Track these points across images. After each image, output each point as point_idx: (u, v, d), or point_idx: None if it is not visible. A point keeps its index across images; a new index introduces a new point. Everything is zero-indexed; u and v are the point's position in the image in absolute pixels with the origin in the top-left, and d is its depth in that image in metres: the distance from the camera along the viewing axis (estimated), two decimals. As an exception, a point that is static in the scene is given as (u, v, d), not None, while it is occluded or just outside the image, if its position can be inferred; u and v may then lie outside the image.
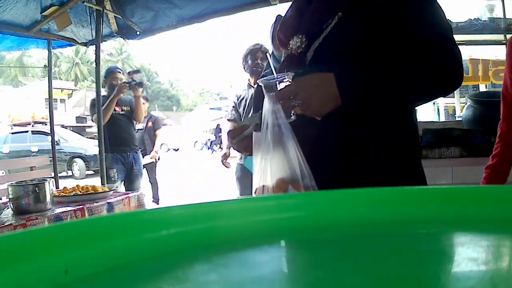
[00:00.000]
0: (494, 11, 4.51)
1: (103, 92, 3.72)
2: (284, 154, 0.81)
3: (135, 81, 3.52)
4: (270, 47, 1.13)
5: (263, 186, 0.82)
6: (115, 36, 3.73)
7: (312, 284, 0.35)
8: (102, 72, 3.74)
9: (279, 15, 1.08)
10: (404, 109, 0.94)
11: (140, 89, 3.57)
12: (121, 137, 3.55)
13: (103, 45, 3.72)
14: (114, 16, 3.49)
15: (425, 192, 0.56)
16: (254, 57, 2.89)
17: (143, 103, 3.80)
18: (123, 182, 3.59)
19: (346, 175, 0.89)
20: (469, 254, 0.41)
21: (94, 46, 3.53)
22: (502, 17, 4.06)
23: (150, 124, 4.66)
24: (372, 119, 0.89)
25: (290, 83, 0.83)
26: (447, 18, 0.88)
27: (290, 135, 0.81)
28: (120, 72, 3.71)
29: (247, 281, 0.36)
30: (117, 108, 3.54)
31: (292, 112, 0.85)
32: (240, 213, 0.50)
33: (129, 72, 3.68)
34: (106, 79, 3.63)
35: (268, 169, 0.82)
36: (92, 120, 3.59)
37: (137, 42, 3.79)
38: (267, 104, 0.83)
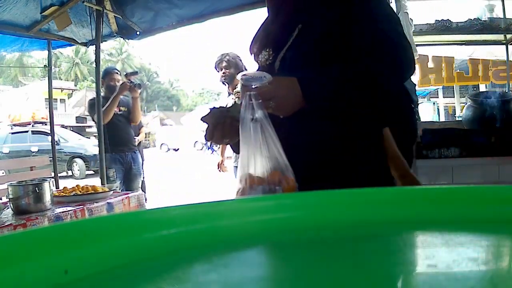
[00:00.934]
0: (494, 11, 4.51)
1: (102, 92, 3.71)
2: (268, 147, 0.87)
3: (133, 82, 3.50)
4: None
5: (248, 174, 0.87)
6: (115, 36, 3.73)
7: (312, 284, 0.35)
8: (102, 72, 3.73)
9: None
10: (366, 107, 0.98)
11: (139, 91, 3.56)
12: (119, 137, 3.54)
13: (103, 45, 3.72)
14: (114, 16, 3.49)
15: (425, 192, 0.56)
16: (219, 67, 3.07)
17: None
18: (121, 182, 3.59)
19: (314, 169, 0.96)
20: (469, 254, 0.41)
21: (94, 46, 3.53)
22: (502, 17, 4.07)
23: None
24: (334, 117, 0.97)
25: (268, 84, 0.90)
26: (394, 11, 0.95)
27: (270, 130, 0.88)
28: (117, 73, 3.71)
29: (247, 281, 0.36)
30: (115, 109, 3.54)
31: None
32: (239, 213, 0.50)
33: (126, 74, 3.65)
34: (104, 80, 3.62)
35: (252, 161, 0.87)
36: (93, 120, 3.58)
37: (137, 42, 3.80)
38: (247, 100, 0.88)
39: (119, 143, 3.54)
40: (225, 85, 3.10)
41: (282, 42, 1.00)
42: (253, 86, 0.89)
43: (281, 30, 1.02)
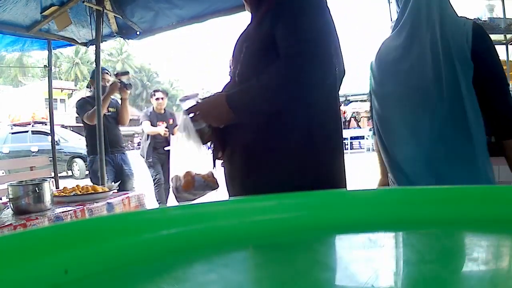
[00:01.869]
0: (494, 11, 4.51)
1: (89, 93, 3.65)
2: (191, 151, 1.15)
3: (123, 82, 3.44)
4: None
5: (176, 175, 1.18)
6: (115, 36, 3.72)
7: (312, 284, 0.35)
8: (92, 72, 3.68)
9: None
10: (291, 116, 1.06)
11: (128, 91, 3.48)
12: (108, 138, 3.47)
13: (103, 45, 3.70)
14: (114, 16, 3.49)
15: (425, 192, 0.56)
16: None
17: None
18: (113, 183, 3.53)
19: (248, 174, 1.10)
20: (469, 254, 0.41)
21: (94, 46, 3.53)
22: (502, 17, 4.06)
23: (171, 121, 4.68)
24: (262, 128, 1.07)
25: (197, 102, 1.12)
26: (320, 22, 1.01)
27: (196, 138, 1.12)
28: (108, 74, 3.64)
29: (247, 281, 0.36)
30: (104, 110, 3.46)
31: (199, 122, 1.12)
32: (239, 213, 0.50)
33: (116, 74, 3.59)
34: (94, 80, 3.55)
35: (181, 163, 1.19)
36: (83, 120, 3.49)
37: (137, 42, 3.78)
38: (181, 116, 1.12)
39: (108, 145, 3.47)
40: None
41: (238, 58, 1.14)
42: (185, 104, 1.10)
43: (239, 46, 1.14)
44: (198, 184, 1.19)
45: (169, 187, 4.20)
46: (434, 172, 1.15)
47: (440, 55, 1.12)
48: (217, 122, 1.10)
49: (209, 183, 1.21)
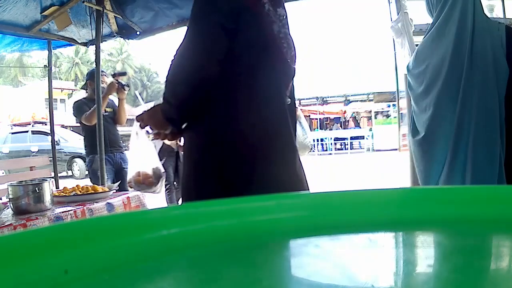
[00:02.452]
0: (494, 11, 4.51)
1: (85, 94, 3.66)
2: (143, 154, 1.43)
3: (121, 83, 3.45)
4: None
5: (132, 176, 1.48)
6: (115, 36, 3.72)
7: (312, 284, 0.35)
8: (89, 74, 3.69)
9: None
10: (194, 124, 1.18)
11: (126, 92, 3.49)
12: (106, 138, 3.50)
13: (103, 45, 3.71)
14: (114, 16, 3.49)
15: (425, 192, 0.56)
16: None
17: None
18: (113, 183, 3.54)
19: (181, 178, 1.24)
20: (468, 254, 0.41)
21: (94, 46, 3.53)
22: (502, 17, 4.06)
23: None
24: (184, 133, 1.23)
25: (144, 111, 1.28)
26: (198, 42, 1.11)
27: (147, 142, 1.40)
28: (105, 75, 3.65)
29: (248, 281, 0.36)
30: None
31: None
32: (239, 213, 0.50)
33: (113, 74, 3.59)
34: (91, 81, 3.56)
35: (134, 165, 1.52)
36: (81, 122, 3.51)
37: (137, 42, 3.78)
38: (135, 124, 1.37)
39: (106, 144, 3.50)
40: None
41: None
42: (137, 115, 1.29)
43: None
44: (135, 186, 1.55)
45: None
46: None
47: (473, 60, 1.13)
48: (159, 128, 1.25)
49: (142, 185, 1.52)
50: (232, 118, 1.12)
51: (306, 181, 1.25)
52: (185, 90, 1.13)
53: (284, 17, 1.24)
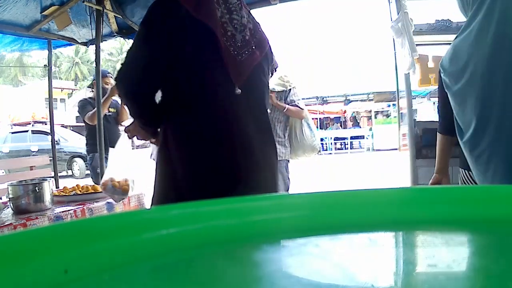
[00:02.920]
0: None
1: (90, 93, 3.75)
2: (124, 163, 1.71)
3: None
4: None
5: (108, 179, 1.81)
6: (115, 36, 3.72)
7: (312, 284, 0.35)
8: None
9: None
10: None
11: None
12: (108, 138, 3.56)
13: (103, 45, 3.71)
14: (114, 16, 3.49)
15: (425, 192, 0.56)
16: None
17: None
18: None
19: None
20: (469, 254, 0.41)
21: (94, 46, 3.53)
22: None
23: None
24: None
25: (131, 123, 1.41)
26: (137, 51, 1.20)
27: (126, 148, 1.69)
28: (111, 77, 3.71)
29: (248, 281, 0.36)
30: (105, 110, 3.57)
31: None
32: (240, 213, 0.50)
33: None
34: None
35: (108, 169, 1.84)
36: (84, 120, 3.60)
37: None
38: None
39: (107, 143, 3.56)
40: None
41: None
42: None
43: None
44: (108, 188, 1.75)
45: None
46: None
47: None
48: (145, 137, 1.40)
49: (118, 190, 1.75)
50: (183, 116, 1.19)
51: (271, 167, 1.30)
52: (130, 94, 1.24)
53: (236, 3, 1.24)
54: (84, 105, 3.62)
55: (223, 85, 1.18)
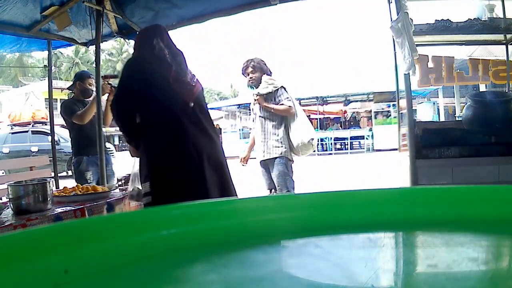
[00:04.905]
0: (494, 11, 4.50)
1: (72, 94, 3.58)
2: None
3: (111, 84, 3.41)
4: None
5: (133, 189, 2.22)
6: (115, 36, 3.72)
7: (312, 284, 0.35)
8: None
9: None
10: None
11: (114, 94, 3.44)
12: (93, 139, 3.45)
13: (103, 45, 3.71)
14: (114, 16, 3.49)
15: (425, 192, 0.56)
16: (246, 73, 3.23)
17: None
18: (97, 184, 3.49)
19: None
20: (469, 254, 0.41)
21: (94, 46, 3.53)
22: (502, 17, 4.06)
23: None
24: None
25: None
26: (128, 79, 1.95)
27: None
28: (93, 79, 3.61)
29: (247, 281, 0.36)
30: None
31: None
32: (240, 213, 0.50)
33: (104, 76, 3.57)
34: (80, 82, 3.50)
35: (132, 180, 2.22)
36: (72, 121, 3.43)
37: (137, 42, 3.77)
38: None
39: (93, 145, 3.44)
40: (252, 88, 3.19)
41: None
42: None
43: None
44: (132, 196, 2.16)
45: None
46: None
47: None
48: (135, 154, 2.00)
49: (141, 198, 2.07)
50: (150, 136, 1.90)
51: (222, 174, 1.93)
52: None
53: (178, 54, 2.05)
54: (69, 106, 3.43)
55: (179, 104, 1.91)
